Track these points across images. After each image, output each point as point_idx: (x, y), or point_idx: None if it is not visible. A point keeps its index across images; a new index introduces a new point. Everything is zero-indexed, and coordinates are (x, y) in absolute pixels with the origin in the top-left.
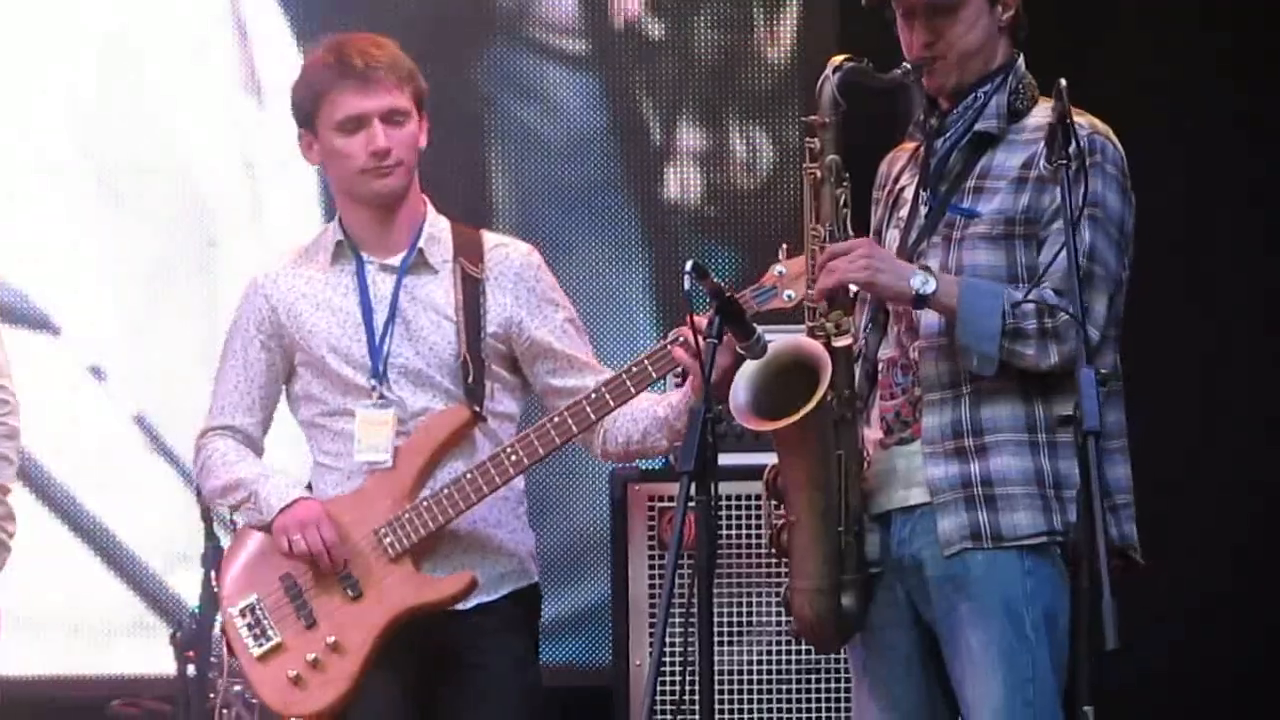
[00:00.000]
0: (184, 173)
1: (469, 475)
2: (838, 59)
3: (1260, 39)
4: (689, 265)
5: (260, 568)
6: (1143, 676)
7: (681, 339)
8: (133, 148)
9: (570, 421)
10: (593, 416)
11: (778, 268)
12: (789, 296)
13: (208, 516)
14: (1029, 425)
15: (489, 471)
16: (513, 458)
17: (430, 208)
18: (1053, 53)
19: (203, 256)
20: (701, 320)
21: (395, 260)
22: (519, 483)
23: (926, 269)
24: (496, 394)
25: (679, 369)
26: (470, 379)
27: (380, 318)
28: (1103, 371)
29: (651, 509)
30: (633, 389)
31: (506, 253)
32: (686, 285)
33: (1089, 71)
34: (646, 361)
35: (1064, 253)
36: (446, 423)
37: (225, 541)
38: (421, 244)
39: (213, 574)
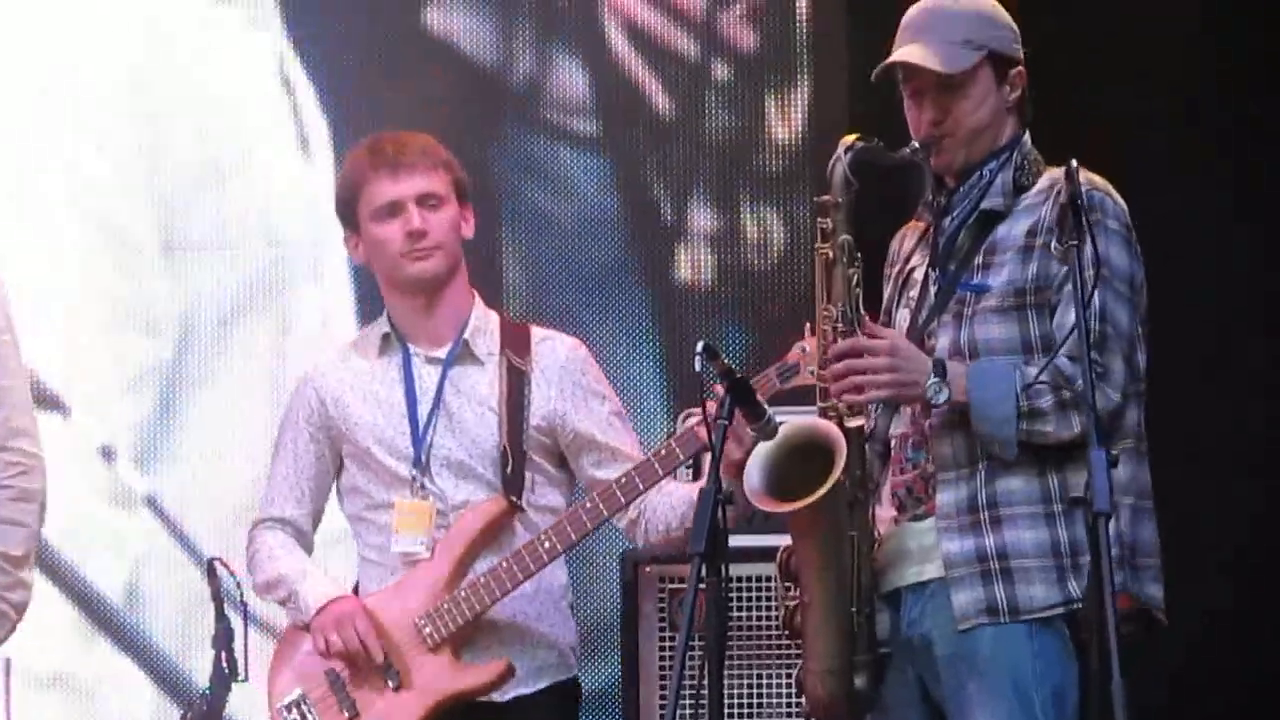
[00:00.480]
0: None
1: (504, 564)
2: (849, 138)
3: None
4: (700, 346)
5: (305, 664)
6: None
7: (704, 420)
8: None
9: (601, 506)
10: (623, 500)
11: (802, 345)
12: (813, 372)
13: (218, 597)
14: (1044, 497)
15: (524, 559)
16: (545, 545)
17: (479, 301)
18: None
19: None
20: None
21: (441, 352)
22: (562, 576)
23: (939, 369)
24: (538, 487)
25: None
26: (509, 469)
27: (424, 409)
28: (1114, 452)
29: (662, 590)
30: (660, 471)
31: (553, 346)
32: (697, 366)
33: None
34: (674, 443)
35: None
36: (484, 514)
37: (235, 622)
38: (467, 335)
39: (223, 655)
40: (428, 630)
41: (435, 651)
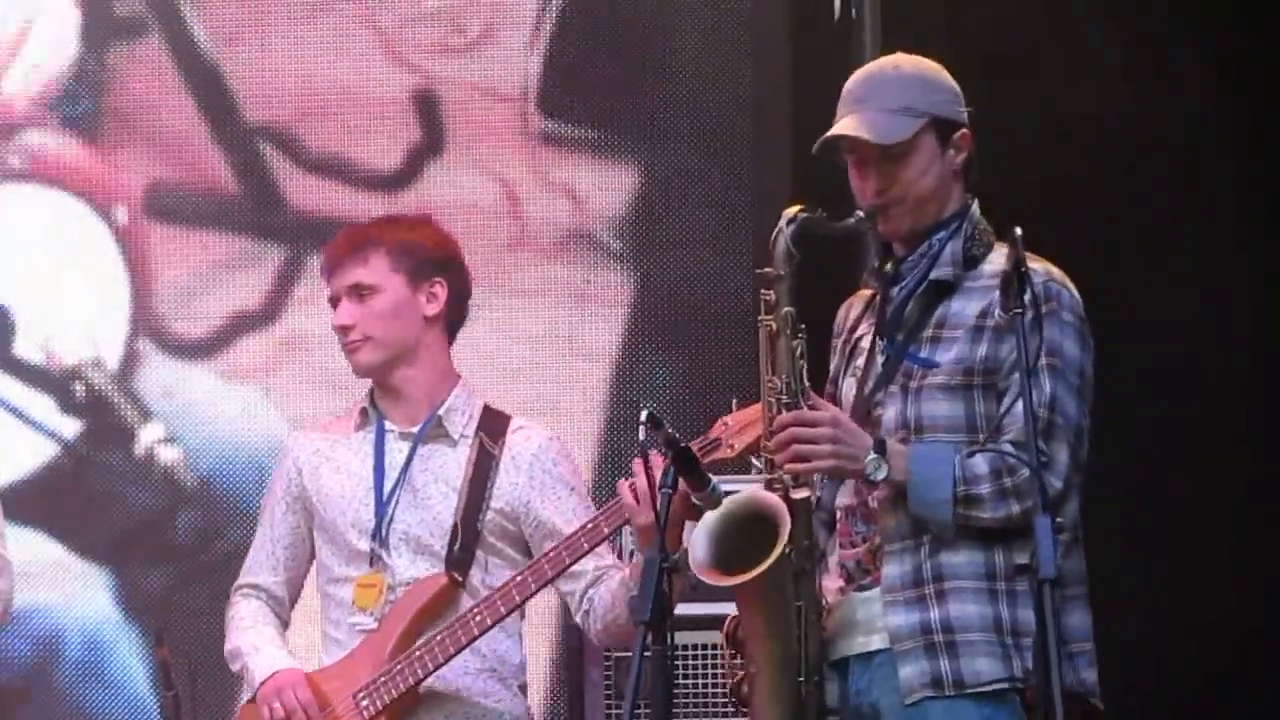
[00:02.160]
0: None
1: (438, 635)
2: (791, 210)
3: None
4: (644, 415)
5: None
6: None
7: (630, 485)
8: None
9: (530, 580)
10: (549, 573)
11: (724, 419)
12: (731, 447)
13: (165, 666)
14: (989, 573)
15: (455, 631)
16: (477, 618)
17: (463, 383)
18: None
19: None
20: (653, 463)
21: (414, 429)
22: (514, 655)
23: (880, 452)
24: (494, 569)
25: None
26: (457, 546)
27: (390, 484)
28: (1059, 520)
29: (608, 658)
30: (585, 545)
31: (527, 435)
32: (642, 435)
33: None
34: (600, 517)
35: (1021, 404)
36: (425, 589)
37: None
38: (440, 413)
39: None
40: (365, 703)
41: None
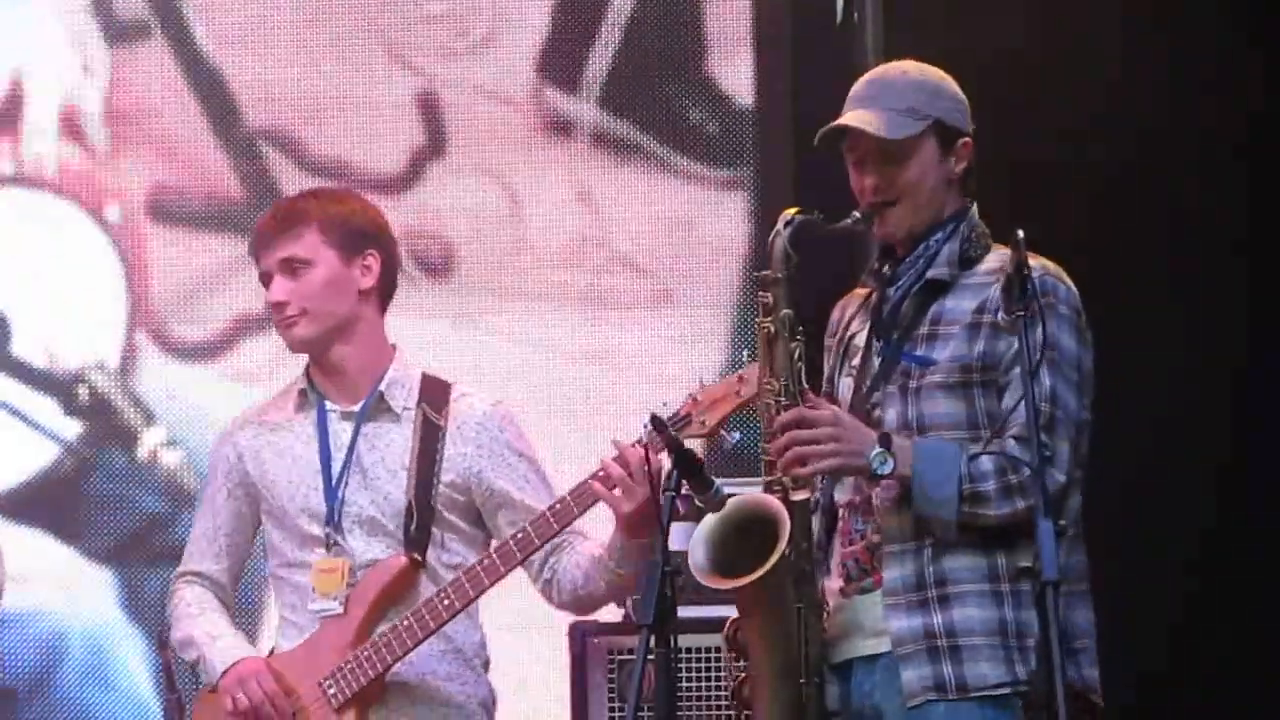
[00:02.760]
0: None
1: (405, 621)
2: (789, 212)
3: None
4: (648, 418)
5: None
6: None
7: (600, 473)
8: None
9: (499, 563)
10: (519, 555)
11: (692, 394)
12: (703, 423)
13: (169, 669)
14: (991, 575)
15: (423, 617)
16: (445, 602)
17: (401, 354)
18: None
19: None
20: (635, 451)
21: (355, 407)
22: (475, 636)
23: (886, 446)
24: (451, 544)
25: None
26: (414, 527)
27: (338, 466)
28: (1061, 523)
29: (611, 661)
30: (555, 526)
31: (471, 403)
32: (645, 438)
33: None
34: (569, 498)
35: (1024, 402)
36: (385, 572)
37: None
38: (382, 388)
39: None
40: (332, 691)
41: (340, 712)
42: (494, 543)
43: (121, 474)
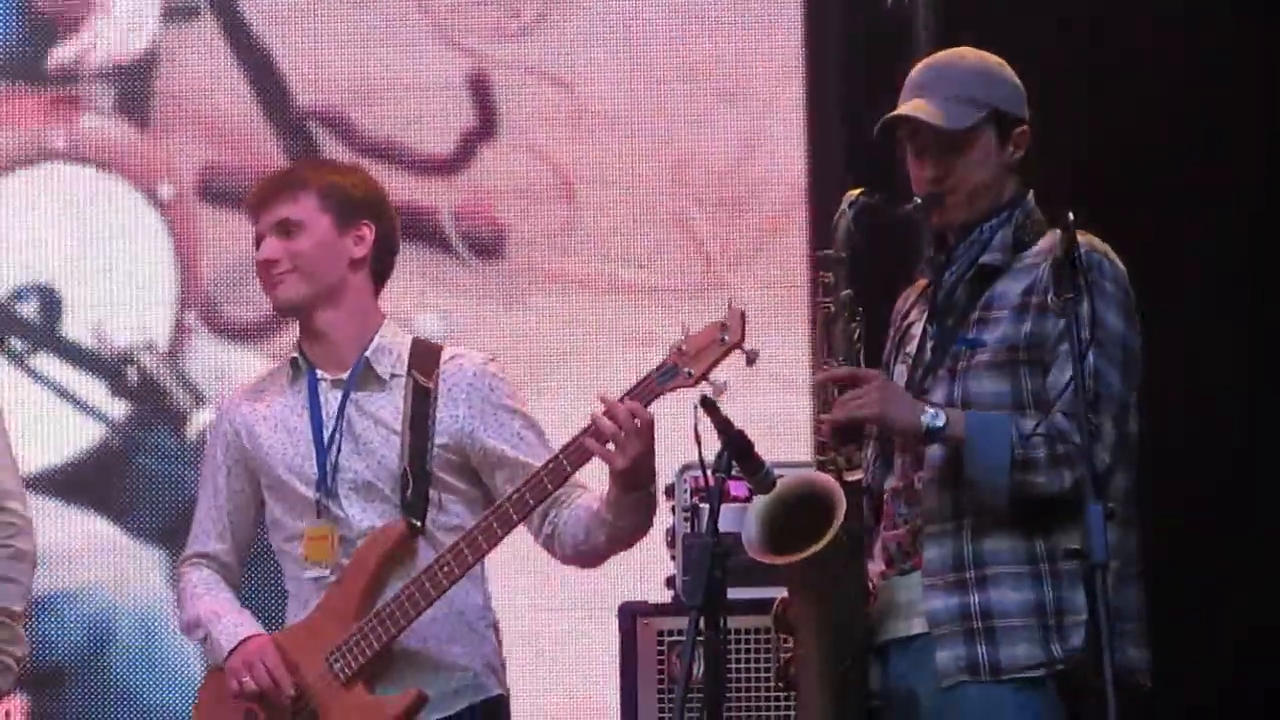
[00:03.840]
0: None
1: (407, 590)
2: (853, 193)
3: None
4: (699, 399)
5: (222, 709)
6: None
7: (591, 429)
8: None
9: (496, 526)
10: (515, 518)
11: (679, 344)
12: (689, 373)
13: None
14: (1030, 557)
15: (424, 585)
16: (444, 569)
17: (389, 322)
18: None
19: None
20: (623, 406)
21: (344, 375)
22: (477, 597)
23: (936, 405)
24: (449, 506)
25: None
26: (409, 492)
27: (329, 432)
28: (1110, 505)
29: (660, 643)
30: (550, 486)
31: (460, 364)
32: (695, 419)
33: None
34: (563, 457)
35: (1072, 380)
36: (382, 538)
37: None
38: (368, 354)
39: None
40: (338, 665)
41: (348, 686)
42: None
43: (170, 454)
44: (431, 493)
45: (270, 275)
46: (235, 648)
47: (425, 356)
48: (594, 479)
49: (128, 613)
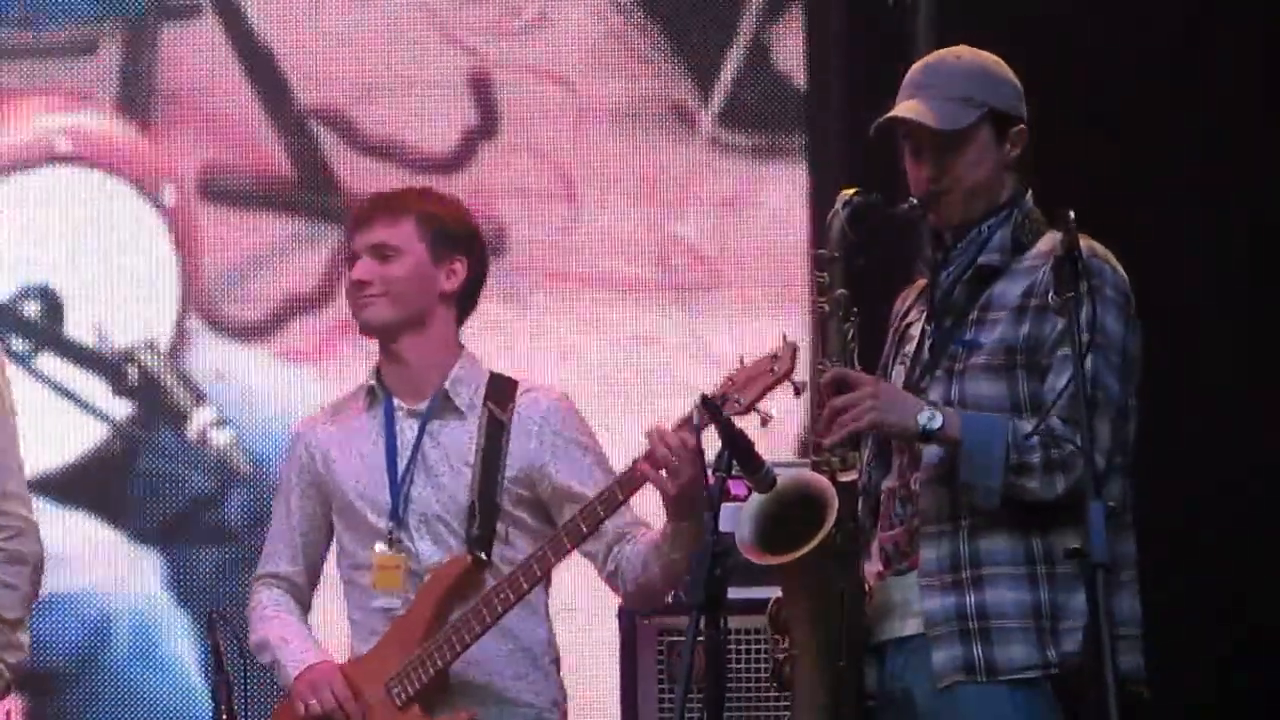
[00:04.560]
0: None
1: (463, 618)
2: (847, 192)
3: None
4: (698, 399)
5: None
6: None
7: (644, 457)
8: None
9: (549, 553)
10: (568, 544)
11: (731, 375)
12: (739, 401)
13: (217, 651)
14: (1027, 558)
15: (480, 611)
16: (500, 595)
17: (469, 355)
18: None
19: None
20: (676, 434)
21: (421, 405)
22: (542, 633)
23: (933, 405)
24: (516, 540)
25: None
26: (476, 525)
27: (404, 463)
28: (1111, 504)
29: (661, 642)
30: (603, 513)
31: (535, 397)
32: (695, 420)
33: None
34: (615, 485)
35: (1069, 382)
36: (449, 572)
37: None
38: (447, 385)
39: (223, 708)
40: (396, 690)
41: (404, 710)
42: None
43: (171, 454)
44: (499, 527)
45: (360, 296)
46: (302, 673)
47: (501, 389)
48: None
49: (126, 614)
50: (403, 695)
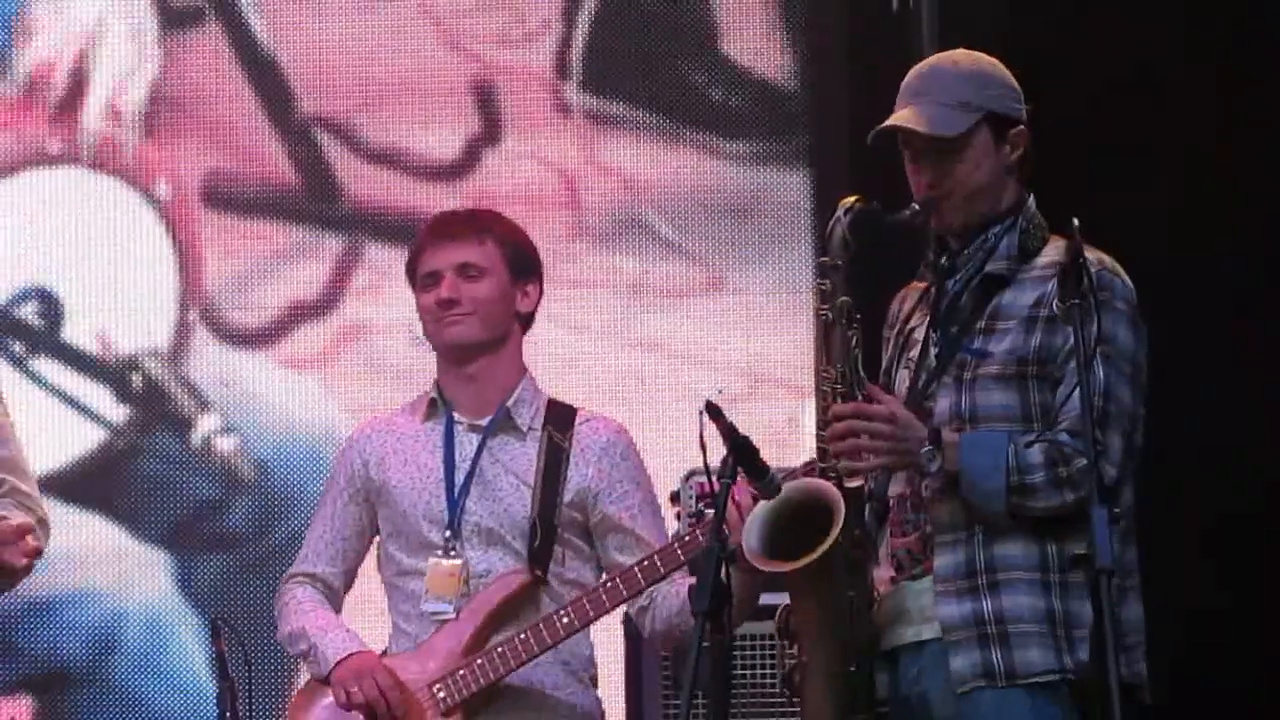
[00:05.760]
0: None
1: (521, 635)
2: (848, 200)
3: None
4: (703, 405)
5: (322, 717)
6: None
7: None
8: None
9: (622, 587)
10: (643, 582)
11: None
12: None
13: (222, 657)
14: (1042, 564)
15: (540, 632)
16: (564, 620)
17: (531, 378)
18: None
19: None
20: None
21: (483, 420)
22: (584, 650)
23: (935, 442)
24: (570, 562)
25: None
26: (537, 543)
27: (461, 476)
28: (1115, 510)
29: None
30: (681, 556)
31: (595, 427)
32: (700, 425)
33: None
34: (697, 531)
35: (1078, 394)
36: (507, 584)
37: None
38: (509, 404)
39: (227, 714)
40: (441, 695)
41: (447, 716)
42: (605, 566)
43: (175, 460)
44: (556, 547)
45: (447, 314)
46: (343, 659)
47: (561, 415)
48: None
49: (133, 616)
50: (447, 701)
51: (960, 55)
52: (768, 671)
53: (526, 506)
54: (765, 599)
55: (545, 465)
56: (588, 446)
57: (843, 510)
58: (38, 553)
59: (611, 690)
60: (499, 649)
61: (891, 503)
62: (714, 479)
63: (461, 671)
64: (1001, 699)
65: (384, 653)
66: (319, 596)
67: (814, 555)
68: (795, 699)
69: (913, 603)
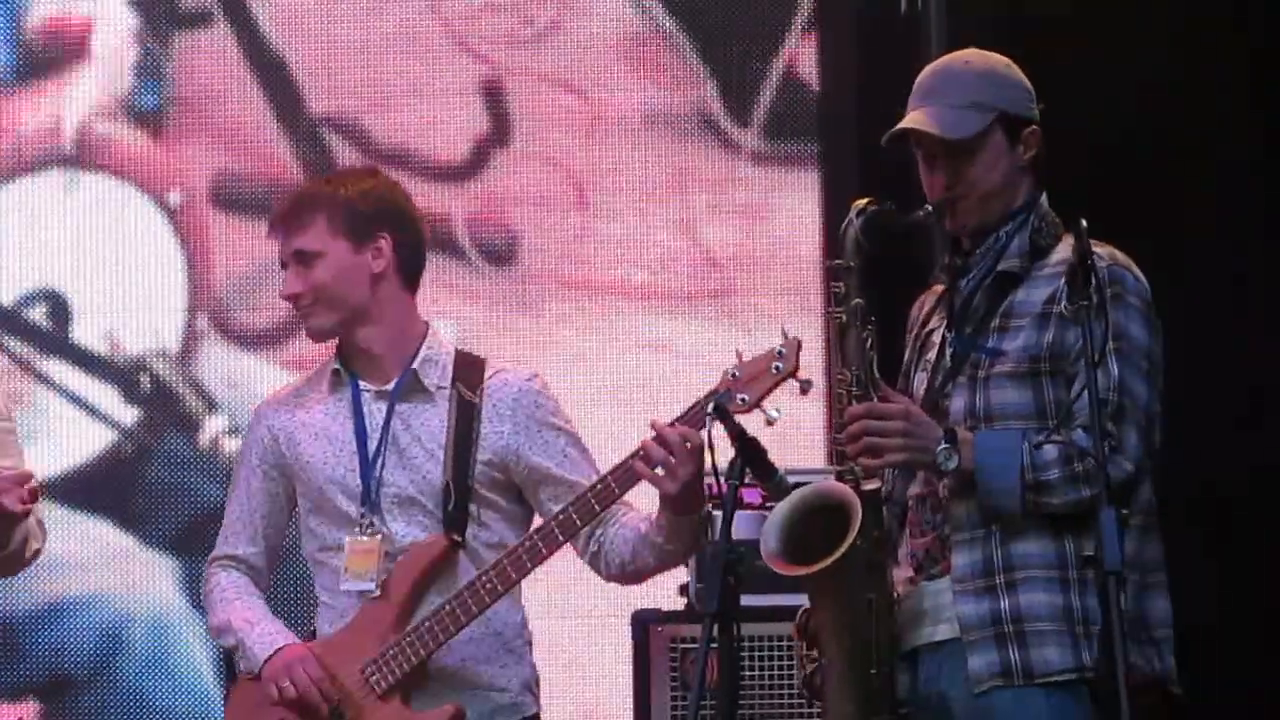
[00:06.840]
0: None
1: (447, 606)
2: (861, 202)
3: None
4: (710, 406)
5: (256, 717)
6: None
7: (641, 454)
8: None
9: (541, 545)
10: (561, 537)
11: (732, 370)
12: (743, 400)
13: (229, 659)
14: (1060, 562)
15: (465, 601)
16: (487, 585)
17: (434, 332)
18: None
19: None
20: (673, 430)
21: (389, 386)
22: (515, 617)
23: (950, 434)
24: (490, 523)
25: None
26: (451, 506)
27: (374, 446)
28: (1124, 511)
29: (674, 650)
30: (597, 507)
31: (505, 379)
32: (707, 426)
33: None
34: (610, 479)
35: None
36: (424, 553)
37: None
38: (415, 366)
39: None
40: (375, 678)
41: (384, 699)
42: (536, 519)
43: (183, 462)
44: (473, 508)
45: (297, 308)
46: (272, 655)
47: (469, 370)
48: (642, 501)
49: (139, 620)
50: (382, 684)
51: (972, 55)
52: (778, 671)
53: (441, 470)
54: (784, 601)
55: (456, 424)
56: (499, 401)
57: (860, 512)
58: (35, 497)
59: (619, 688)
60: (426, 624)
61: (910, 504)
62: (721, 480)
63: (392, 651)
64: (1019, 698)
65: (313, 632)
66: (243, 581)
67: (831, 559)
68: (816, 702)
69: (931, 602)
